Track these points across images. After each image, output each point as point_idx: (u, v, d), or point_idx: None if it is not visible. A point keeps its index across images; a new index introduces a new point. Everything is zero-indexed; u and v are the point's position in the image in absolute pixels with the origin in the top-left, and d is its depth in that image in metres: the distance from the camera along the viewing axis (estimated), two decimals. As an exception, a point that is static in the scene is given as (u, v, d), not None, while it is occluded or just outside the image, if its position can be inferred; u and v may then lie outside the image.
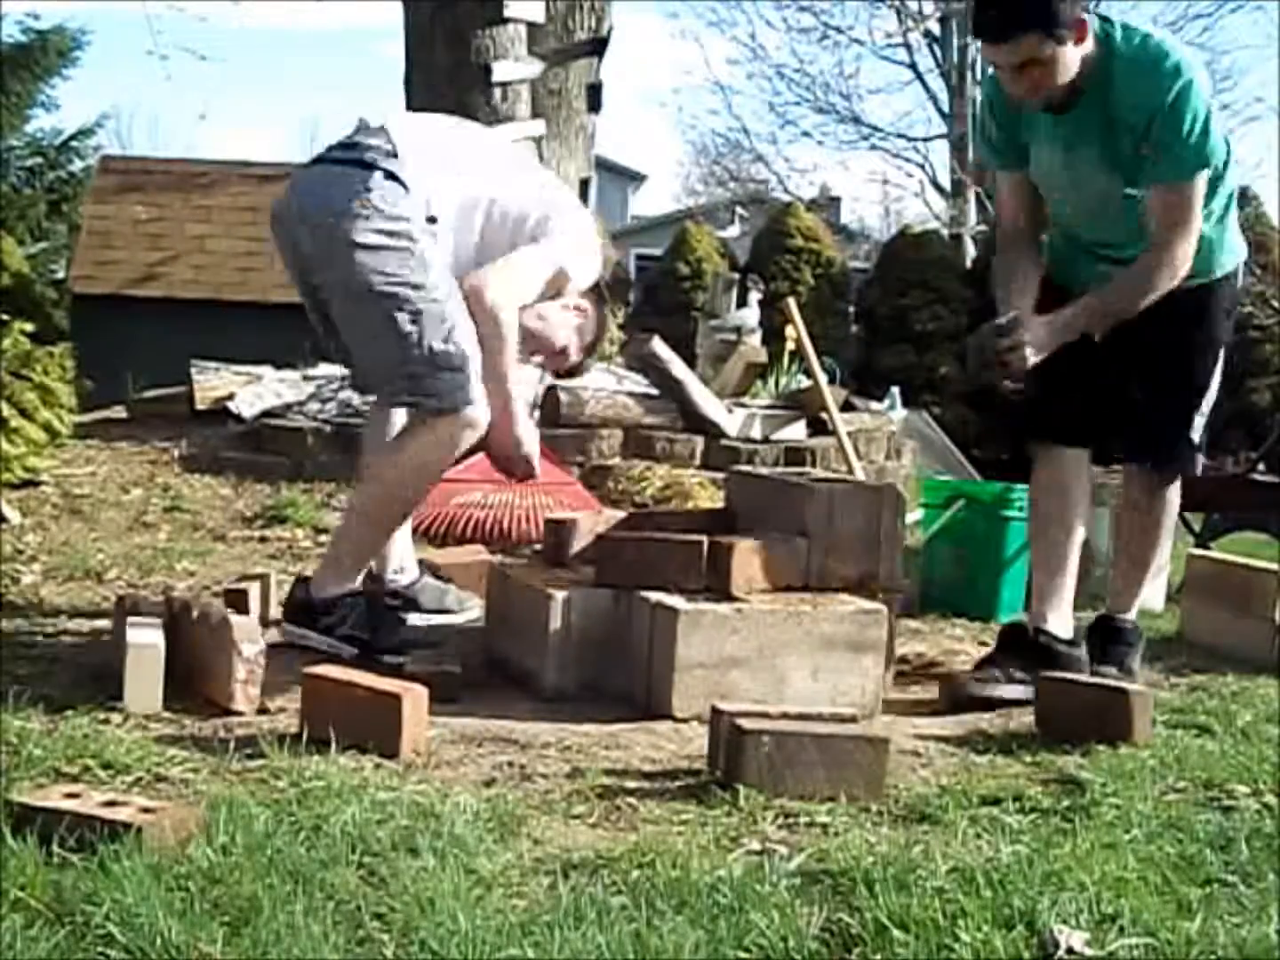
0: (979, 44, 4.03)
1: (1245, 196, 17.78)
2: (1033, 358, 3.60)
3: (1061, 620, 3.86)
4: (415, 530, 5.09)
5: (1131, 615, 4.05)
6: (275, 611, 4.24)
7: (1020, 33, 3.53)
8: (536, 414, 5.77)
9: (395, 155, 3.76)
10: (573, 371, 4.34)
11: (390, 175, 3.73)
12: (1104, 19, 3.65)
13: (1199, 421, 3.91)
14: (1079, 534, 3.95)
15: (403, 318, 3.68)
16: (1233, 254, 3.92)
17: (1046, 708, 3.47)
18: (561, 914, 2.22)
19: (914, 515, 5.36)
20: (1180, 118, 3.57)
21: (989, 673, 3.73)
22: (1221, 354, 3.94)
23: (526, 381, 4.82)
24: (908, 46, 23.41)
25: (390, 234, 3.69)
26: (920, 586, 4.85)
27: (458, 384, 3.71)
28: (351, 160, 3.77)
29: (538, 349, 4.11)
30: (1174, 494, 4.01)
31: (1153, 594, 5.25)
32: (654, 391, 6.54)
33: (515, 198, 3.89)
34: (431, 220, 3.76)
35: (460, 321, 3.73)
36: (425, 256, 3.72)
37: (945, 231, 19.38)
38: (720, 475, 5.40)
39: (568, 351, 4.13)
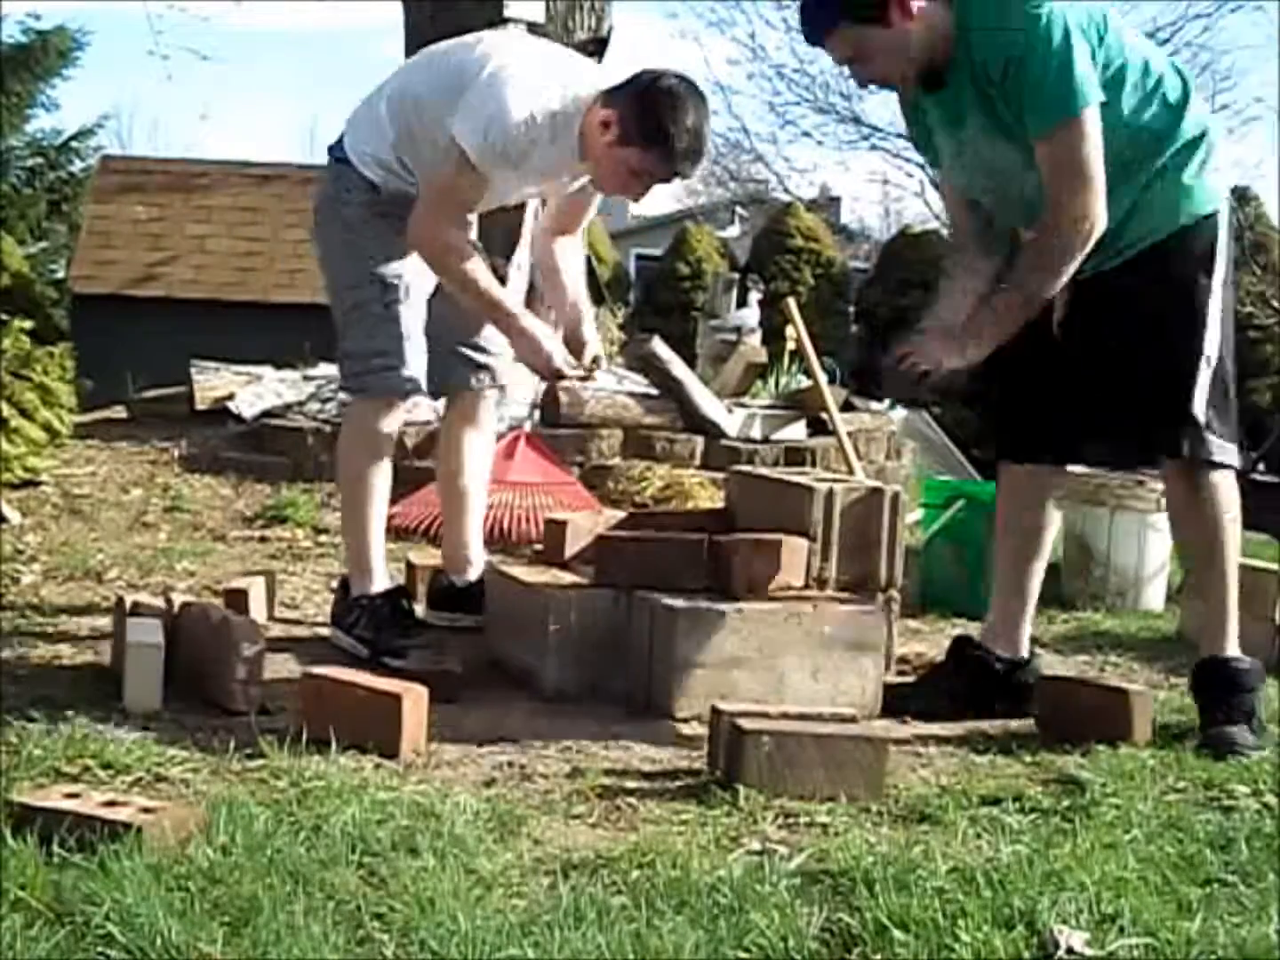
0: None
1: (1245, 197, 17.79)
2: (950, 362, 3.35)
3: (1010, 641, 3.69)
4: (414, 530, 5.11)
5: (1231, 651, 3.52)
6: (279, 610, 4.26)
7: (824, 32, 3.37)
8: (536, 414, 5.77)
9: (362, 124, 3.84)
10: (667, 174, 3.74)
11: (343, 160, 3.82)
12: None
13: (1199, 395, 3.41)
14: (1042, 554, 3.70)
15: (333, 305, 3.89)
16: (1203, 201, 3.43)
17: (1046, 708, 3.47)
18: (561, 914, 2.22)
19: (914, 515, 5.36)
20: (1034, 57, 3.21)
21: (927, 688, 3.66)
22: (1213, 311, 3.44)
23: (523, 383, 4.77)
24: (908, 46, 23.41)
25: (336, 223, 3.84)
26: (920, 586, 4.85)
27: (353, 371, 3.86)
28: (330, 155, 3.92)
29: (617, 187, 3.74)
30: (1222, 490, 3.50)
31: (1153, 594, 5.26)
32: (654, 391, 6.54)
33: (417, 79, 3.81)
34: (374, 189, 3.79)
35: (374, 309, 3.76)
36: (363, 245, 3.78)
37: (945, 231, 19.37)
38: (720, 475, 5.40)
39: (632, 166, 3.64)
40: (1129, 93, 3.35)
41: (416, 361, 3.80)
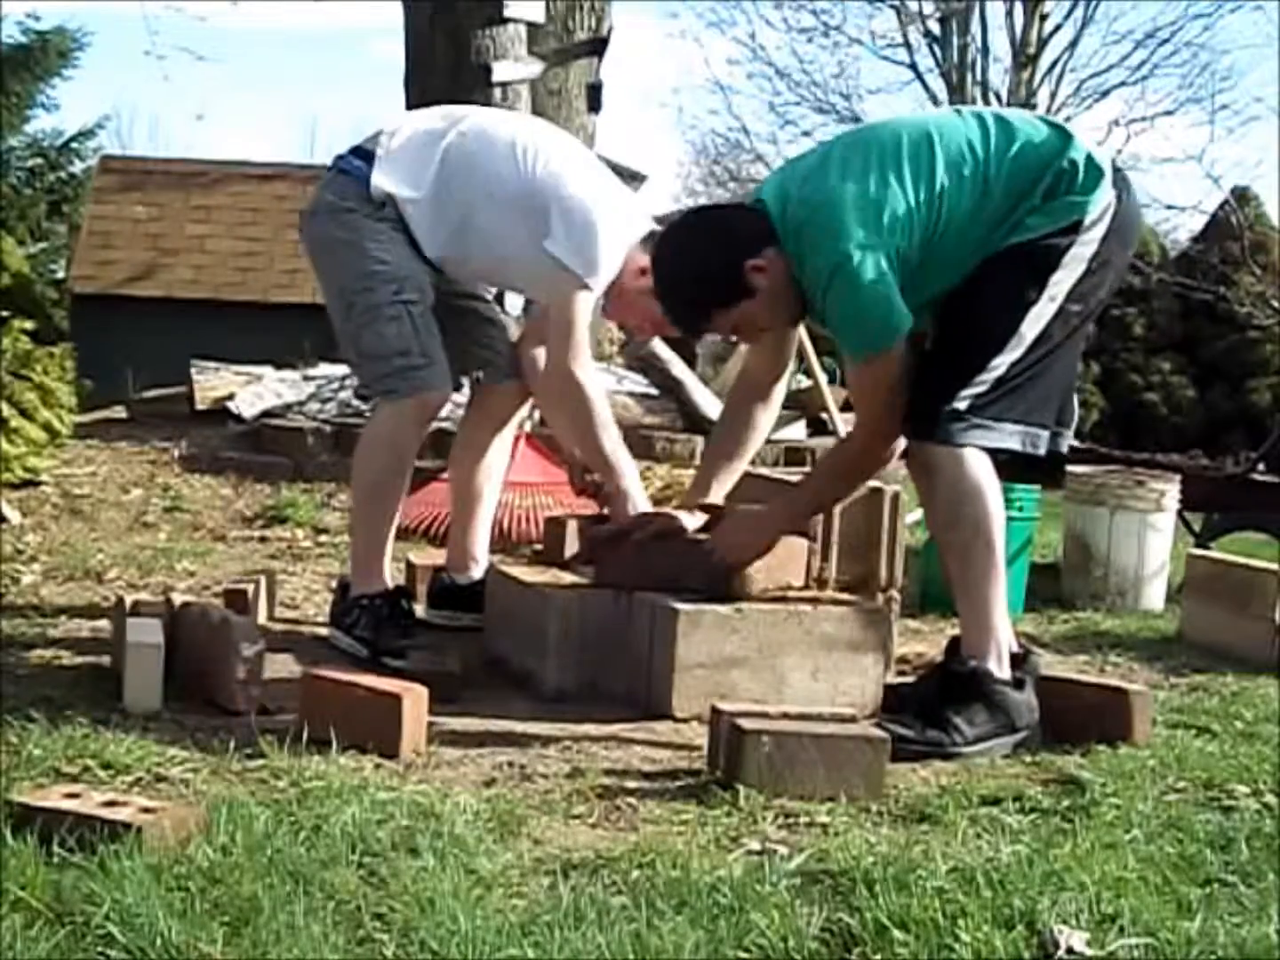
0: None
1: (1245, 197, 17.78)
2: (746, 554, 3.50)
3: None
4: (414, 530, 5.11)
5: (974, 663, 3.34)
6: (279, 610, 4.27)
7: (701, 328, 3.55)
8: (536, 414, 5.77)
9: (374, 150, 3.82)
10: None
11: (345, 171, 3.83)
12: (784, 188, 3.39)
13: (967, 391, 3.30)
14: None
15: (341, 309, 3.84)
16: (1041, 224, 3.35)
17: (1046, 708, 3.46)
18: (561, 914, 2.22)
19: (914, 515, 5.36)
20: (833, 304, 3.30)
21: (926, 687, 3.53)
22: (1032, 319, 3.33)
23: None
24: (907, 46, 23.40)
25: (337, 227, 3.81)
26: (920, 586, 4.86)
27: (381, 373, 3.79)
28: (331, 164, 3.93)
29: (643, 325, 4.00)
30: (959, 480, 3.32)
31: (1153, 594, 5.26)
32: (654, 391, 6.55)
33: (505, 173, 3.80)
34: (381, 205, 3.78)
35: (391, 311, 3.74)
36: (368, 247, 3.76)
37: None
38: (720, 475, 5.39)
39: (655, 314, 3.74)
40: (967, 198, 3.35)
41: (439, 358, 3.79)
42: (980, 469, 3.34)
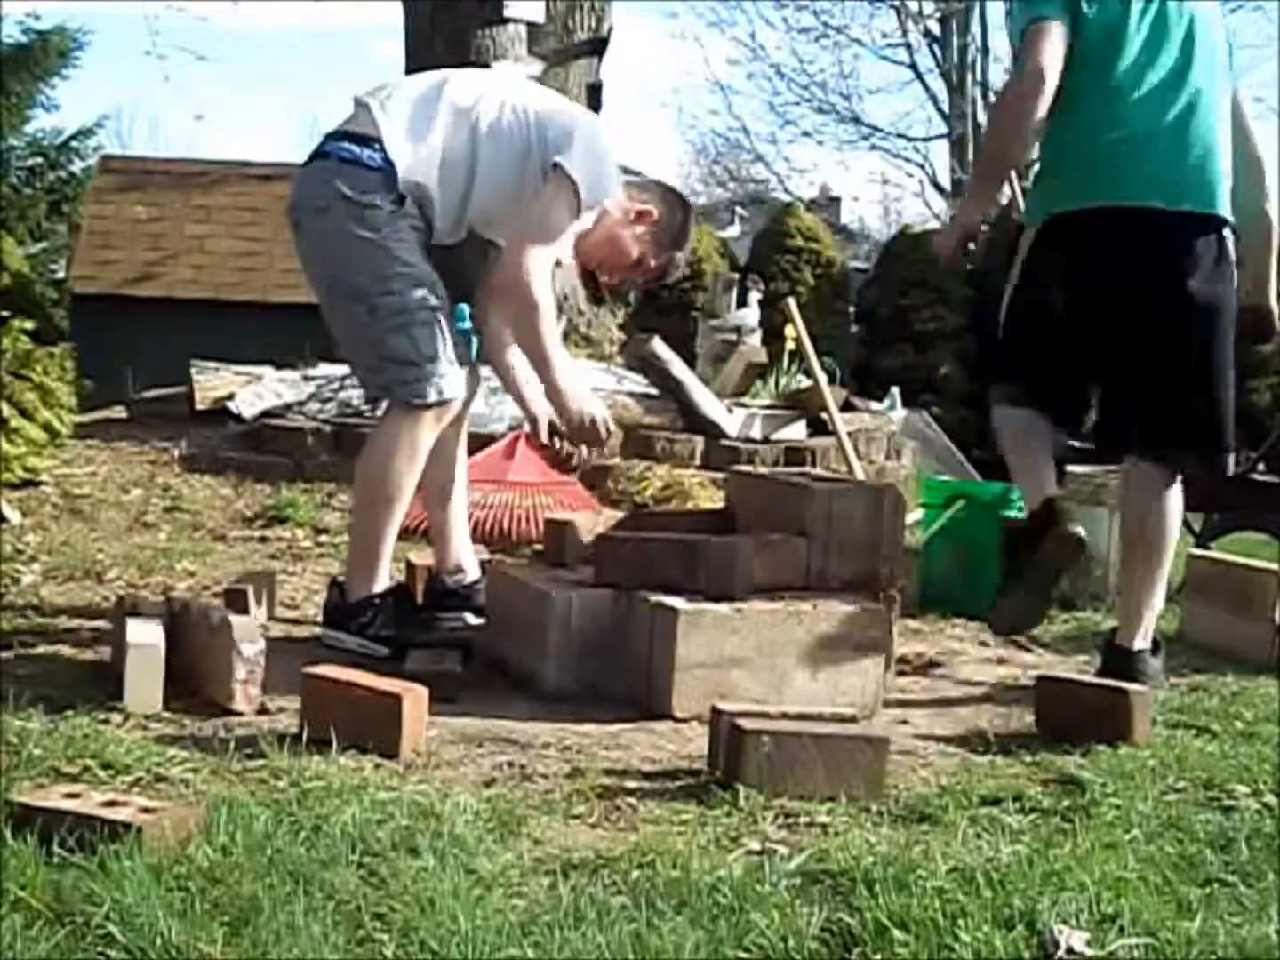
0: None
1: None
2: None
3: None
4: (414, 530, 5.10)
5: (1139, 644, 3.80)
6: (279, 610, 4.26)
7: None
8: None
9: (374, 133, 3.76)
10: (663, 274, 4.13)
11: (348, 160, 3.74)
12: None
13: (1228, 420, 3.77)
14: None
15: (360, 310, 3.75)
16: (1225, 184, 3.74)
17: (1046, 708, 3.47)
18: (561, 914, 2.22)
19: (914, 515, 5.36)
20: None
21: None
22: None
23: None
24: (908, 46, 23.42)
25: (355, 224, 3.72)
26: (920, 586, 4.85)
27: (408, 378, 3.74)
28: (325, 152, 3.81)
29: (614, 268, 4.01)
30: (1177, 494, 3.78)
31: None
32: (654, 391, 6.55)
33: (504, 116, 3.82)
34: (400, 200, 3.75)
35: (421, 316, 3.73)
36: (391, 247, 3.72)
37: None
38: (720, 475, 5.40)
39: (645, 260, 3.99)
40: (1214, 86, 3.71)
41: (459, 363, 3.81)
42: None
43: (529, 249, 3.71)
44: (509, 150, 3.80)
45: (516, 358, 4.02)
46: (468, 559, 4.12)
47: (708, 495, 5.71)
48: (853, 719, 3.06)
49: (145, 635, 3.29)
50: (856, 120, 24.33)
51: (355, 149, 3.76)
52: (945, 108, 23.51)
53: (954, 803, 2.84)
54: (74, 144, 16.85)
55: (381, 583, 3.83)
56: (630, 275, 4.08)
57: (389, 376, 3.79)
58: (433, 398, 3.74)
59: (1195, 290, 3.63)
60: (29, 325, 6.22)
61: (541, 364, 3.81)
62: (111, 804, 2.45)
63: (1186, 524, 6.27)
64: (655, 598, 3.48)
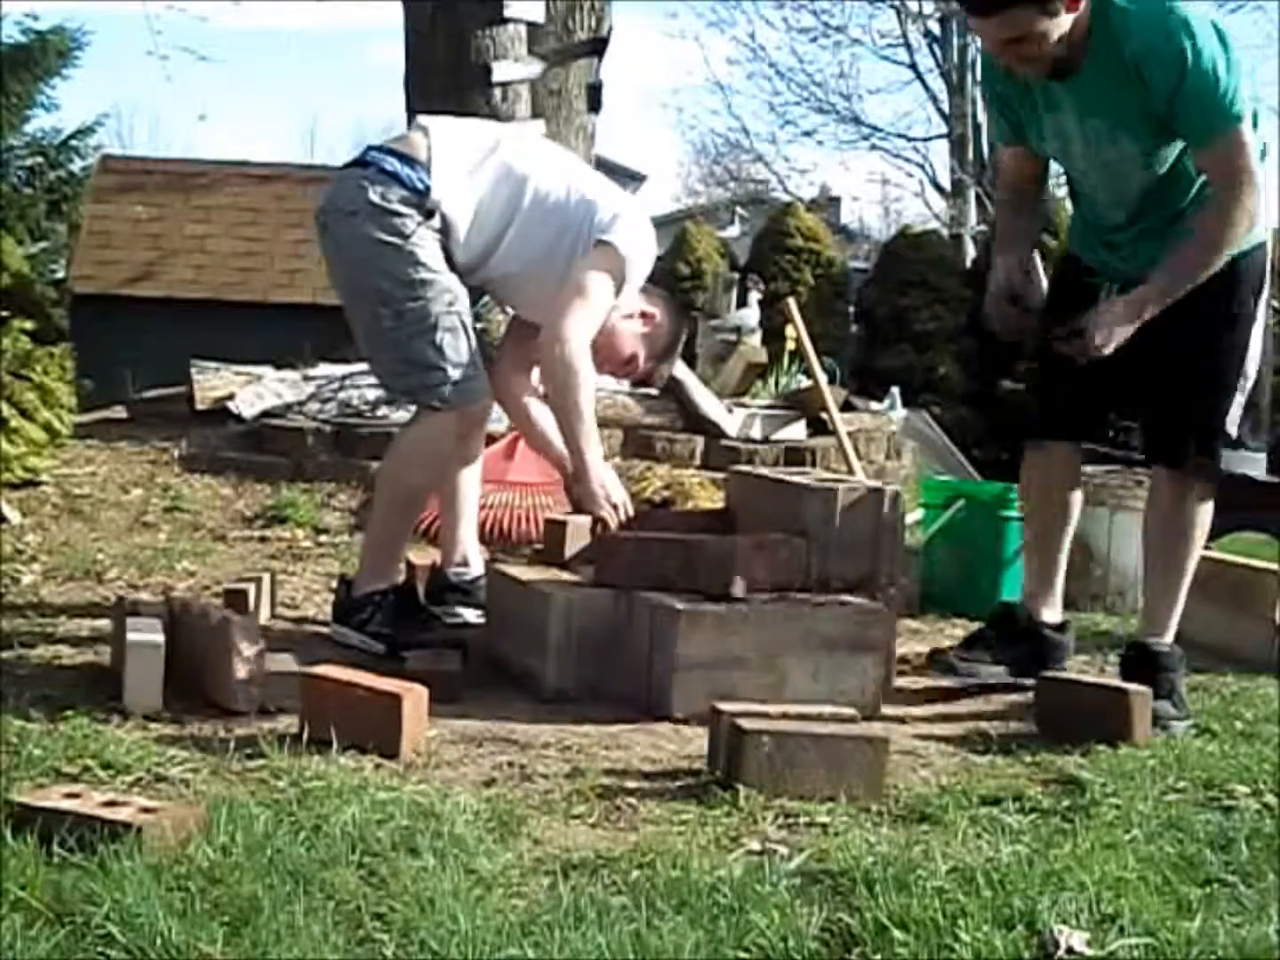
0: (971, 28, 3.95)
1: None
2: (1112, 339, 3.50)
3: (1051, 607, 3.93)
4: (415, 530, 5.10)
5: (1167, 639, 3.72)
6: (279, 610, 4.27)
7: (1010, 6, 3.37)
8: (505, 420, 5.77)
9: (413, 155, 3.79)
10: (648, 379, 4.29)
11: (389, 173, 3.76)
12: None
13: (1234, 411, 3.63)
14: (1071, 523, 3.94)
15: (385, 314, 3.76)
16: (1258, 231, 3.61)
17: (1046, 708, 3.47)
18: (561, 914, 2.22)
19: (914, 515, 5.36)
20: (1205, 68, 3.36)
21: (975, 652, 3.81)
22: (1256, 331, 3.64)
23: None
24: (908, 46, 23.39)
25: (381, 230, 3.73)
26: (920, 586, 4.86)
27: (434, 382, 3.76)
28: (366, 161, 3.83)
29: (605, 360, 4.03)
30: (1204, 501, 3.71)
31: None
32: (654, 391, 6.54)
33: (555, 188, 3.87)
34: (429, 214, 3.76)
35: (447, 321, 3.74)
36: (416, 253, 3.73)
37: (945, 231, 19.35)
38: (720, 475, 5.40)
39: (636, 360, 4.08)
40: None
41: (484, 370, 3.84)
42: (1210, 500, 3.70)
43: (574, 315, 3.75)
44: (547, 221, 3.84)
45: (541, 417, 4.08)
46: (473, 555, 4.15)
47: (708, 495, 5.71)
48: (853, 719, 3.06)
49: (145, 635, 3.29)
50: (856, 120, 24.31)
51: (397, 165, 3.78)
52: (945, 108, 23.49)
53: (954, 803, 2.84)
54: (74, 143, 16.83)
55: (389, 581, 3.84)
56: (617, 370, 4.18)
57: (413, 381, 3.81)
58: (456, 403, 3.77)
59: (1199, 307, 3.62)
60: (29, 325, 6.22)
61: (572, 435, 3.82)
62: (111, 804, 2.45)
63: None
64: (655, 597, 3.47)
